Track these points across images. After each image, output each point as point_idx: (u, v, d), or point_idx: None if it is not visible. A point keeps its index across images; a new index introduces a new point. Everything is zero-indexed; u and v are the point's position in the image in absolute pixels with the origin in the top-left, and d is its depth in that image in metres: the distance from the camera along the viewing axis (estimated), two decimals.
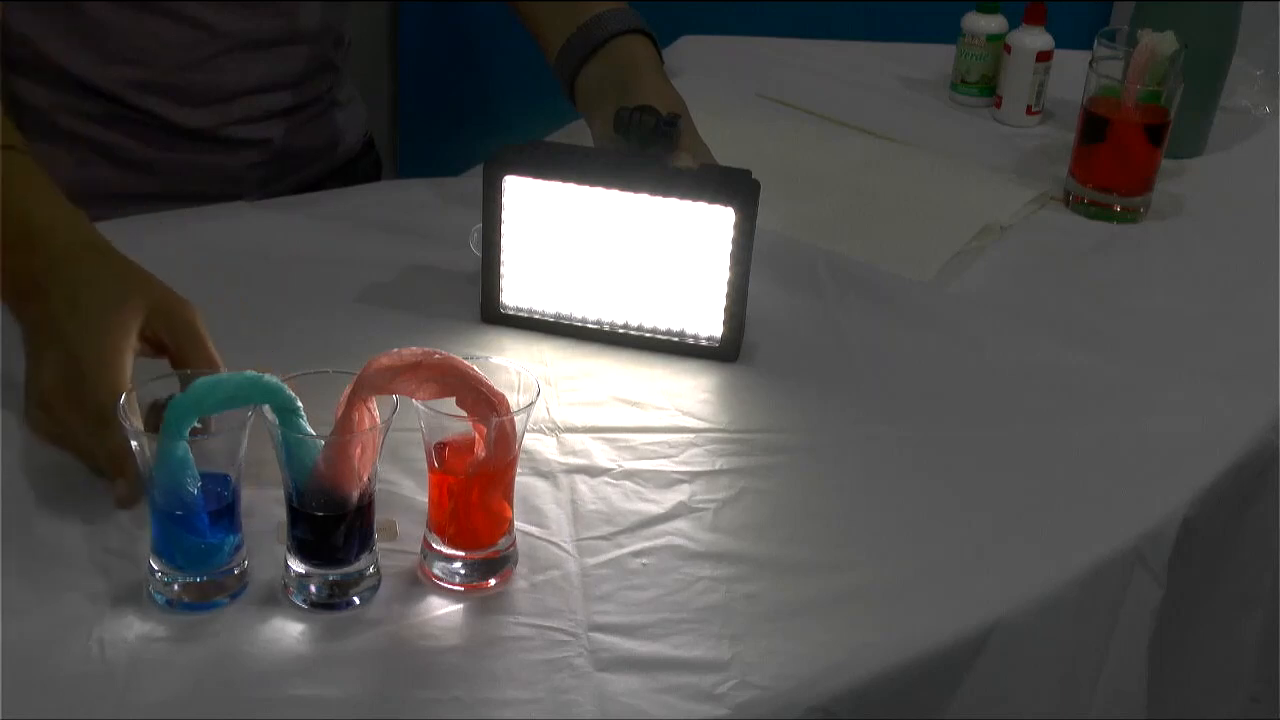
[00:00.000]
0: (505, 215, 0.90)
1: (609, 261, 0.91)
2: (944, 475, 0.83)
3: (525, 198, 0.90)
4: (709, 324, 0.91)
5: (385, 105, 2.35)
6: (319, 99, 1.22)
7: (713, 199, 0.87)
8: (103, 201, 1.08)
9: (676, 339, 0.92)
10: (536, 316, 0.93)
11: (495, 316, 0.94)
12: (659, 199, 0.87)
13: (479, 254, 0.93)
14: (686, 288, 0.90)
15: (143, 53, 1.08)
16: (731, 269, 0.89)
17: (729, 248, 0.88)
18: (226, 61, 1.11)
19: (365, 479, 0.67)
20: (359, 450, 0.66)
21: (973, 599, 0.73)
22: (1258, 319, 1.04)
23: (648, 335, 0.92)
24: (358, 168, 1.30)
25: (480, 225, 0.92)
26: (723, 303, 0.90)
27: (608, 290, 0.92)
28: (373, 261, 1.01)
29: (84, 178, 1.11)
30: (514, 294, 0.93)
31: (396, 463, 0.78)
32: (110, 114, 1.10)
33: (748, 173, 0.89)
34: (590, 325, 0.93)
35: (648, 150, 0.90)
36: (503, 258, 0.92)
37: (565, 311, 0.93)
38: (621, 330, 0.92)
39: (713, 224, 0.88)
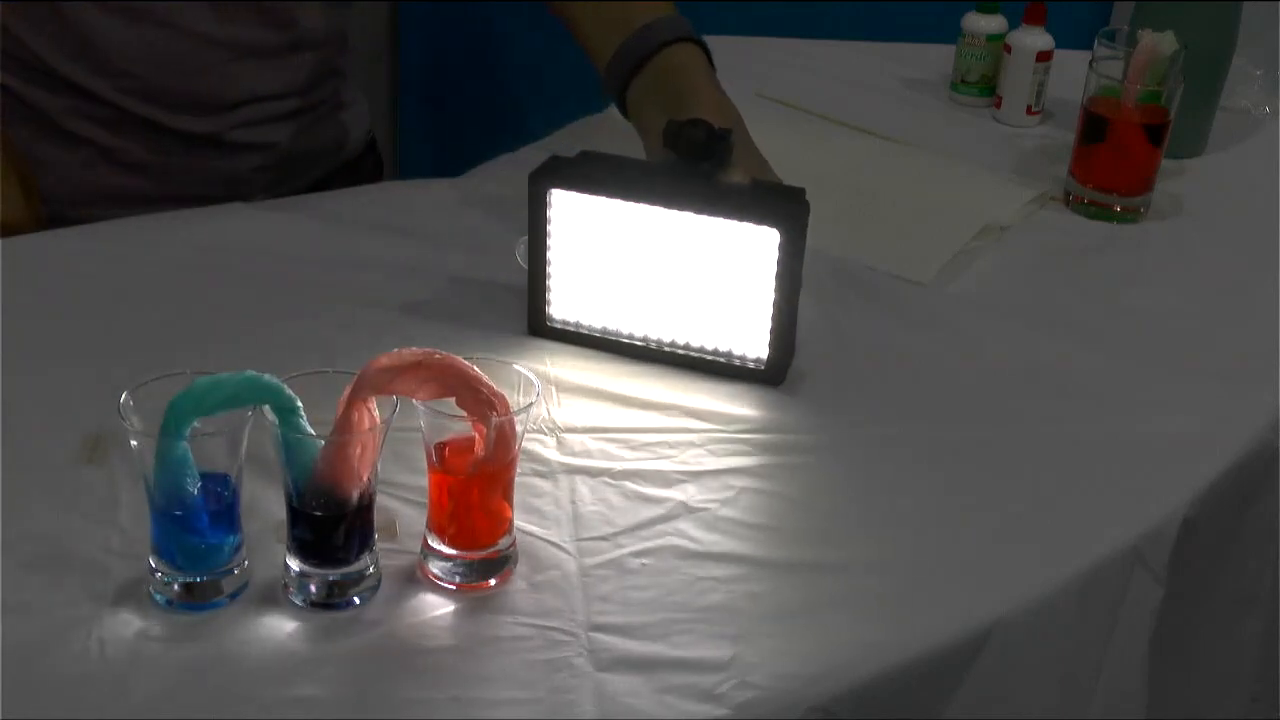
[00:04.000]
0: (551, 229, 0.89)
1: (655, 279, 0.89)
2: (944, 475, 0.83)
3: (571, 211, 0.88)
4: (755, 345, 0.89)
5: (385, 105, 2.35)
6: (324, 102, 1.21)
7: (758, 219, 0.84)
8: (107, 203, 1.08)
9: (724, 360, 0.90)
10: (583, 331, 0.92)
11: (542, 330, 0.92)
12: (705, 218, 0.85)
13: (525, 265, 0.91)
14: (733, 308, 0.88)
15: (141, 63, 1.08)
16: (777, 291, 0.86)
17: (774, 269, 0.85)
18: (228, 70, 1.11)
19: (365, 479, 0.67)
20: (359, 450, 0.66)
21: (973, 599, 0.73)
22: (1258, 319, 1.04)
23: (694, 355, 0.90)
24: (361, 167, 1.30)
25: (526, 237, 0.90)
26: (768, 325, 0.88)
27: (654, 308, 0.90)
28: (372, 262, 1.01)
29: (88, 179, 1.11)
30: (560, 307, 0.92)
31: (396, 463, 0.78)
32: (112, 118, 1.10)
33: (801, 191, 0.87)
34: (637, 343, 0.91)
35: (698, 165, 0.87)
36: (549, 270, 0.90)
37: (612, 327, 0.91)
38: (668, 349, 0.90)
39: (758, 244, 0.85)
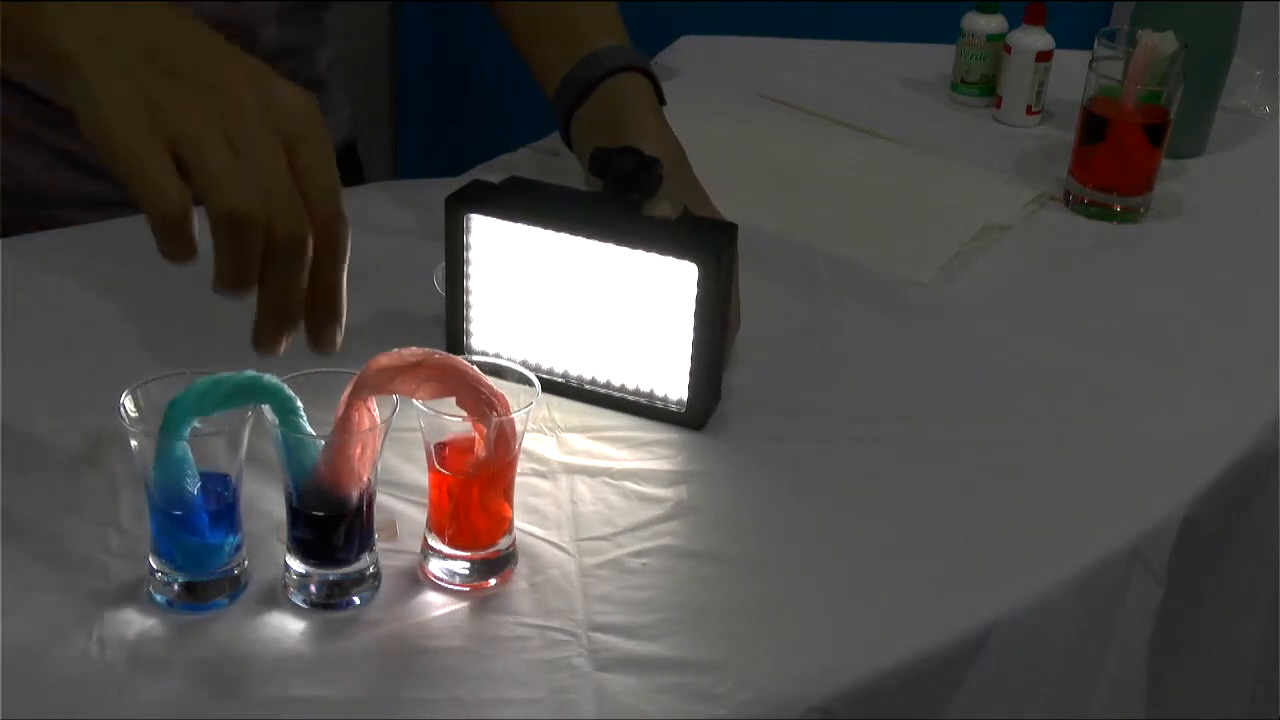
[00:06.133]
0: (470, 255, 0.85)
1: (576, 313, 0.84)
2: (944, 475, 0.83)
3: (489, 238, 0.84)
4: (676, 386, 0.84)
5: (385, 106, 2.35)
6: None
7: (677, 253, 0.80)
8: (71, 205, 1.07)
9: (644, 400, 0.85)
10: (503, 364, 0.86)
11: None
12: (624, 249, 0.81)
13: (443, 293, 0.88)
14: (654, 347, 0.83)
15: None
16: (696, 329, 0.81)
17: (693, 306, 0.81)
18: None
19: (365, 479, 0.67)
20: (359, 450, 0.66)
21: (973, 599, 0.73)
22: (1258, 319, 1.04)
23: (615, 394, 0.86)
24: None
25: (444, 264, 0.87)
26: (688, 365, 0.83)
27: (575, 343, 0.86)
28: (370, 261, 1.01)
29: (49, 181, 1.10)
30: (480, 339, 0.88)
31: (397, 462, 0.78)
32: (68, 122, 1.09)
33: (732, 227, 0.83)
34: (556, 379, 0.86)
35: (625, 195, 0.82)
36: (469, 300, 0.87)
37: (532, 360, 0.86)
38: (589, 386, 0.86)
39: (677, 280, 0.80)
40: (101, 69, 0.60)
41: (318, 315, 0.63)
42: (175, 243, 0.59)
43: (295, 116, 0.62)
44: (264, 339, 0.63)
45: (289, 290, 0.61)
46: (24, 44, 0.62)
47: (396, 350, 0.66)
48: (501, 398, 0.67)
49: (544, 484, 0.79)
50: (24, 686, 0.62)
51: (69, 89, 0.61)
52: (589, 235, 0.81)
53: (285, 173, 0.60)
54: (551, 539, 0.75)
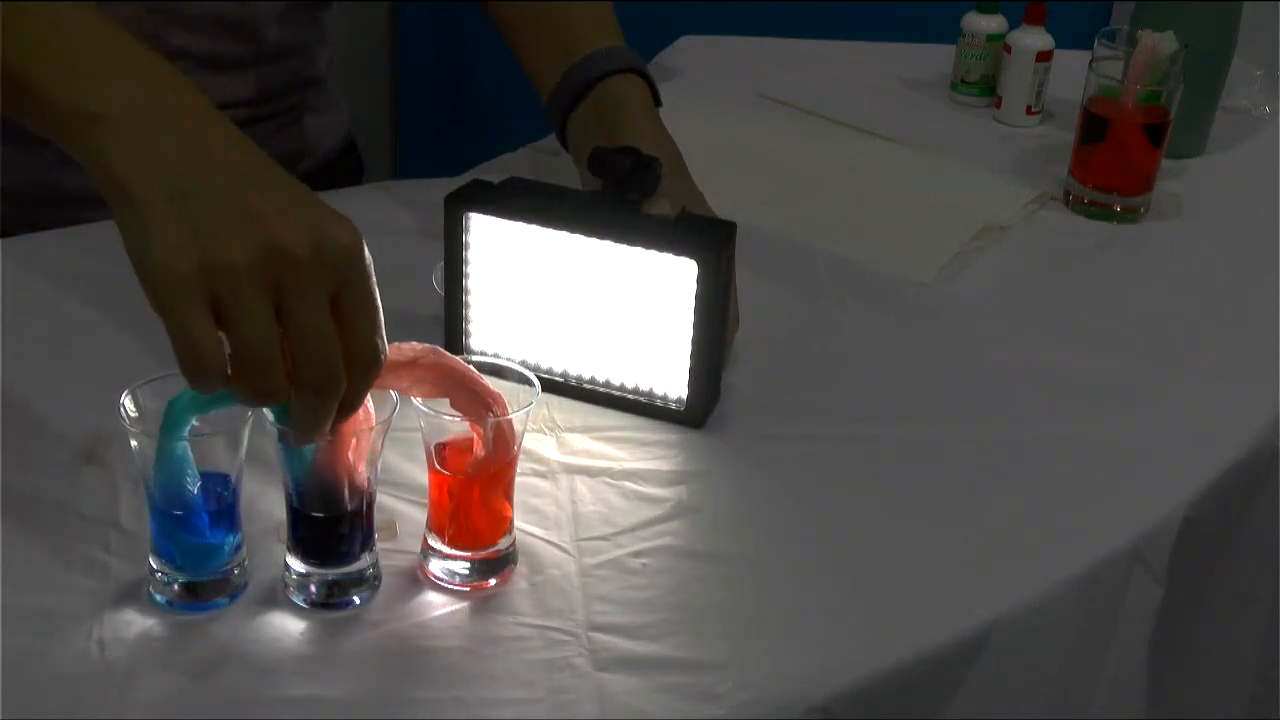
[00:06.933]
0: (469, 255, 0.85)
1: (575, 312, 0.84)
2: (944, 475, 0.83)
3: (489, 237, 0.84)
4: (676, 385, 0.84)
5: (385, 105, 2.35)
6: (288, 110, 1.20)
7: (676, 250, 0.80)
8: (73, 205, 1.07)
9: (644, 399, 0.85)
10: (502, 364, 0.86)
11: None
12: (623, 247, 0.81)
13: (442, 293, 0.88)
14: (654, 345, 0.84)
15: None
16: (695, 327, 0.81)
17: (692, 303, 0.81)
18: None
19: (365, 479, 0.67)
20: (358, 449, 0.66)
21: (973, 599, 0.73)
22: (1258, 319, 1.04)
23: (615, 393, 0.86)
24: (336, 172, 1.27)
25: (443, 263, 0.87)
26: (687, 363, 0.83)
27: (574, 342, 0.86)
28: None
29: (52, 180, 1.10)
30: (479, 339, 0.88)
31: (397, 462, 0.78)
32: None
33: (730, 225, 0.82)
34: (556, 378, 0.87)
35: (624, 194, 0.83)
36: (468, 300, 0.87)
37: (531, 360, 0.87)
38: (588, 386, 0.86)
39: (676, 277, 0.80)
40: (155, 203, 0.60)
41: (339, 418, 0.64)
42: (203, 388, 0.61)
43: (344, 258, 0.61)
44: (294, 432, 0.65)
45: (313, 417, 0.63)
46: (77, 152, 0.63)
47: (395, 344, 0.66)
48: (498, 397, 0.67)
49: (544, 484, 0.79)
50: (24, 686, 0.62)
51: (119, 213, 0.61)
52: (588, 234, 0.81)
53: (326, 334, 0.61)
54: (551, 539, 0.75)
